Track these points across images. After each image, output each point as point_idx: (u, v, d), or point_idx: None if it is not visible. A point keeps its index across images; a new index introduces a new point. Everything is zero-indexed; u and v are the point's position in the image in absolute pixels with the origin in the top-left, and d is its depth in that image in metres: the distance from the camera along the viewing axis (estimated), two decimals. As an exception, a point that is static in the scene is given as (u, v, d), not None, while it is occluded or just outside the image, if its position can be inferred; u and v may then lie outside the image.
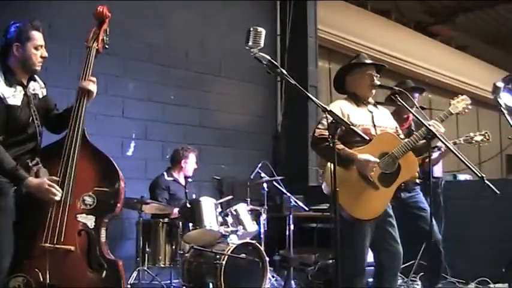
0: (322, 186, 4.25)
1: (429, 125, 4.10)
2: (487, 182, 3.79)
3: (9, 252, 3.55)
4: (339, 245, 3.11)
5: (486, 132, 5.16)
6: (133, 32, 7.41)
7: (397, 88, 4.30)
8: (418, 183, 5.47)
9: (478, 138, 5.17)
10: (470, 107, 4.53)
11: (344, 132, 3.94)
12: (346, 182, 3.88)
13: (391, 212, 4.27)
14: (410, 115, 5.42)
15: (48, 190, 3.58)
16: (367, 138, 3.67)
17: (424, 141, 4.18)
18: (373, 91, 4.34)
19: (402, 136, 4.45)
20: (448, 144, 4.01)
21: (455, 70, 15.14)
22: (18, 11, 6.23)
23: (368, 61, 4.33)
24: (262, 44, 3.19)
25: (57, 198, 3.62)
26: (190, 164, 6.75)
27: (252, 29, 3.21)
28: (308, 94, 3.30)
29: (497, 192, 3.78)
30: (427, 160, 4.38)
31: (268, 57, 3.22)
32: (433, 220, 5.30)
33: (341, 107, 4.19)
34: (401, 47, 13.15)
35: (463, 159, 3.90)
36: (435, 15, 14.17)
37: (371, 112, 4.31)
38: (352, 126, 3.21)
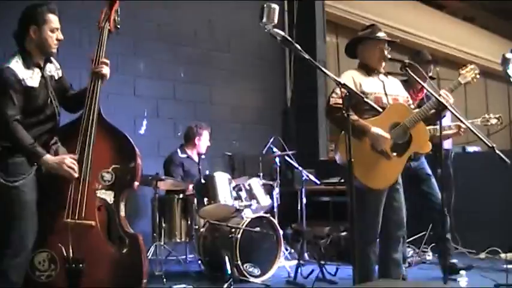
0: (336, 157, 4.30)
1: (439, 95, 4.17)
2: (497, 151, 3.86)
3: (33, 230, 3.68)
4: (353, 213, 3.18)
5: (500, 116, 5.25)
6: (142, 12, 7.46)
7: (407, 61, 4.34)
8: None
9: (493, 121, 5.25)
10: (478, 76, 4.59)
11: (356, 101, 3.99)
12: (359, 153, 3.89)
13: (400, 180, 4.35)
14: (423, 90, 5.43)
15: (64, 169, 3.69)
16: (380, 110, 3.73)
17: (433, 111, 4.25)
18: (383, 63, 4.40)
19: (412, 106, 4.53)
20: (458, 115, 4.07)
21: (462, 42, 15.10)
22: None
23: (381, 35, 4.37)
24: (276, 20, 3.26)
25: (75, 175, 3.73)
26: (203, 141, 6.81)
27: (265, 5, 3.27)
28: (322, 68, 3.37)
29: (508, 161, 3.85)
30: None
31: (282, 33, 3.28)
32: (437, 189, 5.46)
33: (353, 76, 4.25)
34: (408, 19, 13.12)
35: (473, 129, 3.98)
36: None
37: (382, 81, 4.36)
38: (365, 99, 3.26)
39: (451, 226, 5.95)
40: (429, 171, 5.57)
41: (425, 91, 5.47)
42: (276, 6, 3.27)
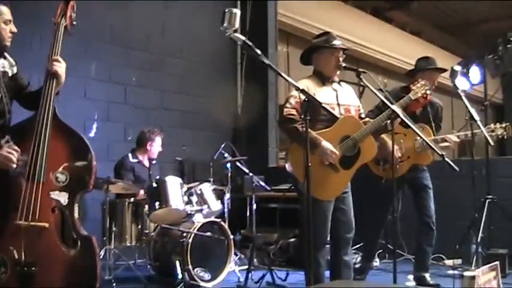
0: (286, 166, 4.36)
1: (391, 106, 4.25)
2: (447, 159, 3.98)
3: None
4: (310, 222, 3.24)
5: (507, 125, 5.33)
6: (95, 14, 7.41)
7: (361, 70, 4.42)
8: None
9: (499, 131, 5.35)
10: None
11: (309, 111, 4.06)
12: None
13: (348, 184, 4.45)
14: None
15: (4, 157, 3.54)
16: (338, 116, 3.81)
17: (383, 123, 4.33)
18: (338, 72, 4.47)
19: (363, 115, 4.61)
20: (411, 125, 4.16)
21: (409, 55, 15.38)
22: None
23: (336, 43, 4.44)
24: (237, 25, 3.29)
25: (13, 164, 3.58)
26: (155, 146, 6.79)
27: (227, 10, 3.30)
28: (282, 73, 3.43)
29: (457, 169, 3.97)
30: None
31: (243, 38, 3.32)
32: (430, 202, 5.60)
33: (307, 85, 4.27)
34: (358, 31, 13.37)
35: (424, 138, 4.11)
36: (391, 1, 14.45)
37: (335, 90, 4.44)
38: (323, 105, 3.34)
39: (397, 234, 6.08)
40: (427, 183, 5.62)
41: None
42: (237, 11, 3.31)
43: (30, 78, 4.08)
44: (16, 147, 3.62)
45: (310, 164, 3.44)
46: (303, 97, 3.51)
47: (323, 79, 4.45)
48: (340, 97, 4.43)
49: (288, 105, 4.26)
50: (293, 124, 4.16)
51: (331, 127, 4.24)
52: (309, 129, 3.99)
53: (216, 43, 8.96)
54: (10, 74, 3.88)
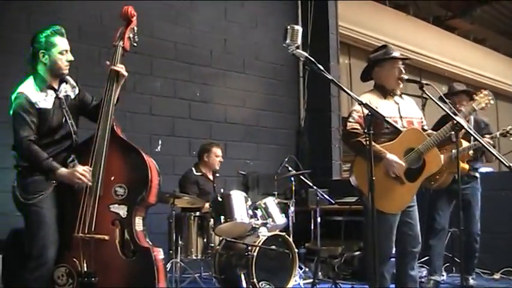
0: (351, 179, 4.35)
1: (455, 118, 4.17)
2: (515, 171, 3.85)
3: (55, 243, 3.75)
4: (374, 237, 3.18)
5: None
6: (159, 31, 7.57)
7: (424, 82, 4.35)
8: (476, 177, 5.74)
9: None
10: (492, 102, 4.61)
11: (372, 124, 4.02)
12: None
13: (414, 198, 4.39)
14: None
15: (78, 178, 3.75)
16: (402, 129, 3.74)
17: (448, 135, 4.27)
18: (401, 84, 4.41)
19: (426, 127, 4.53)
20: (477, 137, 4.08)
21: (473, 63, 15.14)
22: (48, 12, 6.39)
23: (396, 54, 4.39)
24: (299, 41, 3.29)
25: (89, 183, 3.78)
26: (213, 157, 6.78)
27: (289, 27, 3.31)
28: (344, 88, 3.39)
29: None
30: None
31: (306, 54, 3.31)
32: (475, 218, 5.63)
33: (369, 99, 4.22)
34: (420, 41, 13.18)
35: (491, 149, 3.99)
36: (452, 9, 14.18)
37: (397, 104, 4.39)
38: (387, 118, 3.29)
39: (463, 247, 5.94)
40: (473, 198, 5.68)
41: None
42: (299, 28, 3.31)
43: (98, 95, 4.20)
44: (86, 168, 3.76)
45: (374, 178, 3.43)
46: (365, 111, 3.47)
47: (385, 92, 4.40)
48: (402, 110, 4.38)
49: (351, 119, 4.26)
50: (356, 138, 4.15)
51: (395, 140, 4.20)
52: (373, 143, 3.97)
53: (278, 57, 8.98)
54: (73, 96, 4.06)
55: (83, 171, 3.76)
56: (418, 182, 4.28)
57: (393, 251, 4.39)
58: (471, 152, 5.00)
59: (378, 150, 4.10)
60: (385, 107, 4.27)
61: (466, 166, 4.96)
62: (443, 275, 6.01)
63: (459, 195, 4.37)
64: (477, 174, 5.78)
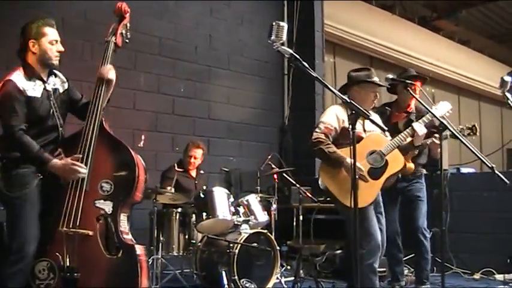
0: (319, 183, 4.67)
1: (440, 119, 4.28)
2: (497, 172, 3.92)
3: (35, 238, 3.72)
4: (356, 233, 3.20)
5: (474, 126, 5.19)
6: (143, 26, 7.52)
7: (408, 82, 4.45)
8: (421, 175, 5.62)
9: (466, 132, 5.21)
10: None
11: (338, 135, 4.51)
12: (337, 176, 4.48)
13: (381, 204, 4.77)
14: (412, 104, 5.55)
15: (71, 168, 3.73)
16: (385, 128, 3.83)
17: (409, 140, 4.66)
18: (371, 106, 4.75)
19: (389, 138, 4.73)
20: (459, 137, 4.15)
21: (457, 64, 15.23)
22: (31, 7, 6.34)
23: (377, 80, 4.66)
24: (284, 38, 3.30)
25: (83, 174, 3.76)
26: (186, 156, 6.82)
27: (274, 23, 3.31)
28: (329, 86, 3.40)
29: (507, 182, 3.90)
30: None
31: (291, 51, 3.31)
32: (420, 213, 5.49)
33: (336, 112, 4.61)
34: (405, 41, 13.24)
35: (474, 151, 4.02)
36: (438, 10, 14.25)
37: (363, 120, 4.60)
38: (370, 117, 3.33)
39: (444, 247, 5.94)
40: (419, 194, 5.57)
41: (412, 108, 5.56)
42: (284, 25, 3.31)
43: (81, 89, 4.18)
44: (77, 156, 3.73)
45: (339, 179, 3.77)
46: (333, 123, 4.12)
47: None
48: (367, 125, 4.65)
49: (317, 130, 4.59)
50: (319, 146, 4.48)
51: (359, 143, 4.38)
52: (335, 149, 4.42)
53: (263, 53, 8.98)
54: (61, 90, 4.03)
55: (72, 165, 3.73)
56: (382, 179, 4.55)
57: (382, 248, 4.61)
58: (416, 151, 4.98)
59: (339, 156, 4.42)
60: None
61: (412, 166, 4.99)
62: (403, 280, 5.93)
63: (441, 196, 4.45)
64: (423, 171, 5.66)
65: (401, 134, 4.66)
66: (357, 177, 4.27)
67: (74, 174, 3.76)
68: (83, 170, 3.76)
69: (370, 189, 4.51)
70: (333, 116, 4.58)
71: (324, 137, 4.50)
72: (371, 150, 4.56)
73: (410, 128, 4.67)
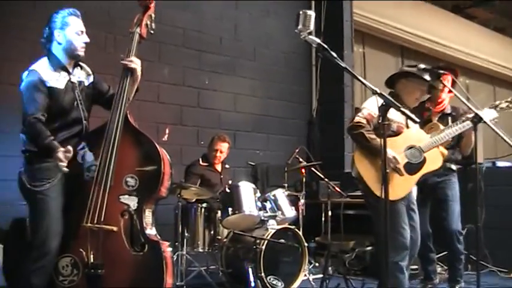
0: (352, 171, 4.62)
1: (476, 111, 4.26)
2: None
3: (58, 233, 3.75)
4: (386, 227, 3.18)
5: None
6: (167, 18, 7.54)
7: (441, 71, 4.42)
8: (454, 170, 5.56)
9: (503, 105, 5.10)
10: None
11: (379, 124, 4.16)
12: (372, 165, 4.42)
13: (414, 201, 4.69)
14: (444, 99, 5.48)
15: (57, 157, 3.62)
16: (418, 120, 3.76)
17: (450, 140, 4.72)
18: (415, 105, 4.71)
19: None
20: (497, 131, 4.13)
21: (492, 53, 14.97)
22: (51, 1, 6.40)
23: (427, 78, 4.60)
24: (311, 27, 3.27)
25: (63, 168, 3.61)
26: (210, 150, 6.80)
27: (301, 12, 3.29)
28: (359, 77, 3.37)
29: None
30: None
31: (318, 40, 3.28)
32: (452, 213, 5.42)
33: (379, 101, 4.34)
34: (438, 30, 13.05)
35: (510, 142, 3.99)
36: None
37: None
38: (402, 108, 3.28)
39: (479, 244, 5.87)
40: (452, 192, 5.49)
41: (445, 104, 5.51)
42: (312, 13, 3.29)
43: (100, 78, 4.22)
44: (68, 149, 3.67)
45: (373, 168, 3.85)
46: (376, 111, 3.81)
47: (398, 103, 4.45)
48: (410, 122, 4.58)
49: (360, 114, 4.52)
50: (360, 130, 4.40)
51: (398, 136, 4.48)
52: (375, 136, 4.31)
53: (290, 45, 8.96)
54: (87, 83, 4.05)
55: (60, 157, 3.60)
56: (417, 176, 4.51)
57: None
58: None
59: (379, 144, 4.24)
60: (395, 112, 4.25)
61: (445, 151, 4.89)
62: (436, 279, 5.87)
63: (476, 191, 4.41)
64: (453, 167, 5.55)
65: (445, 132, 4.66)
66: (392, 168, 4.36)
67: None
68: (63, 163, 3.61)
69: (403, 183, 4.46)
70: (376, 105, 4.43)
71: (365, 122, 4.45)
72: (410, 144, 4.52)
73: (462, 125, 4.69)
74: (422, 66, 4.62)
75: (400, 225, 4.40)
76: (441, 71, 4.75)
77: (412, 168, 4.47)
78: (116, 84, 4.07)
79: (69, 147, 3.66)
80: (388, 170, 4.18)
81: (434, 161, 4.58)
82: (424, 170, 4.53)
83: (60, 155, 3.59)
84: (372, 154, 4.39)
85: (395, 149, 4.39)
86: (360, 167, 4.48)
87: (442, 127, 4.98)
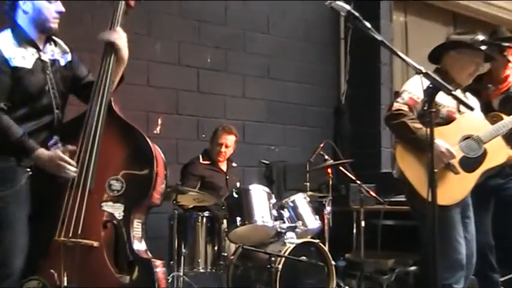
0: (394, 172, 4.60)
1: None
2: None
3: (23, 250, 3.73)
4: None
5: None
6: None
7: (505, 44, 4.39)
8: None
9: None
10: None
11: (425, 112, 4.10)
12: (419, 162, 4.29)
13: (470, 205, 4.64)
14: (509, 75, 5.44)
15: (59, 164, 3.69)
16: (472, 107, 3.73)
17: None
18: (468, 82, 4.62)
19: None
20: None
21: None
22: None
23: (483, 48, 4.54)
24: (339, -8, 3.26)
25: (72, 174, 3.74)
26: (213, 144, 6.84)
27: (326, -28, 3.27)
28: (398, 53, 3.35)
29: None
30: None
31: (348, 7, 3.27)
32: None
33: (425, 81, 4.28)
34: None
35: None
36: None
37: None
38: (453, 92, 3.26)
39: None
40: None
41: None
42: (339, -26, 3.27)
43: (79, 58, 4.21)
44: (73, 148, 3.72)
45: (421, 167, 3.71)
46: (420, 94, 3.63)
47: (447, 82, 4.38)
48: (462, 107, 4.45)
49: (399, 99, 4.43)
50: (401, 119, 4.30)
51: (450, 124, 4.41)
52: (422, 127, 4.17)
53: (311, 14, 8.94)
54: (63, 63, 4.03)
55: (60, 161, 3.70)
56: (477, 173, 4.43)
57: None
58: None
59: (425, 135, 4.12)
60: (443, 95, 4.25)
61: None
62: None
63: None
64: None
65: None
66: (445, 164, 4.29)
67: (61, 173, 3.74)
68: (73, 168, 3.73)
69: (460, 183, 4.39)
70: (420, 86, 4.21)
71: (407, 109, 4.37)
72: (466, 135, 4.45)
73: None
74: (480, 37, 4.56)
75: (455, 238, 4.36)
76: (505, 44, 4.70)
77: (469, 164, 4.39)
78: (96, 67, 4.05)
79: (71, 147, 3.71)
80: (439, 167, 4.19)
81: (497, 154, 4.49)
82: (485, 165, 4.44)
83: (58, 161, 3.68)
84: (418, 149, 4.30)
85: (448, 141, 4.31)
86: (404, 165, 4.41)
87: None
